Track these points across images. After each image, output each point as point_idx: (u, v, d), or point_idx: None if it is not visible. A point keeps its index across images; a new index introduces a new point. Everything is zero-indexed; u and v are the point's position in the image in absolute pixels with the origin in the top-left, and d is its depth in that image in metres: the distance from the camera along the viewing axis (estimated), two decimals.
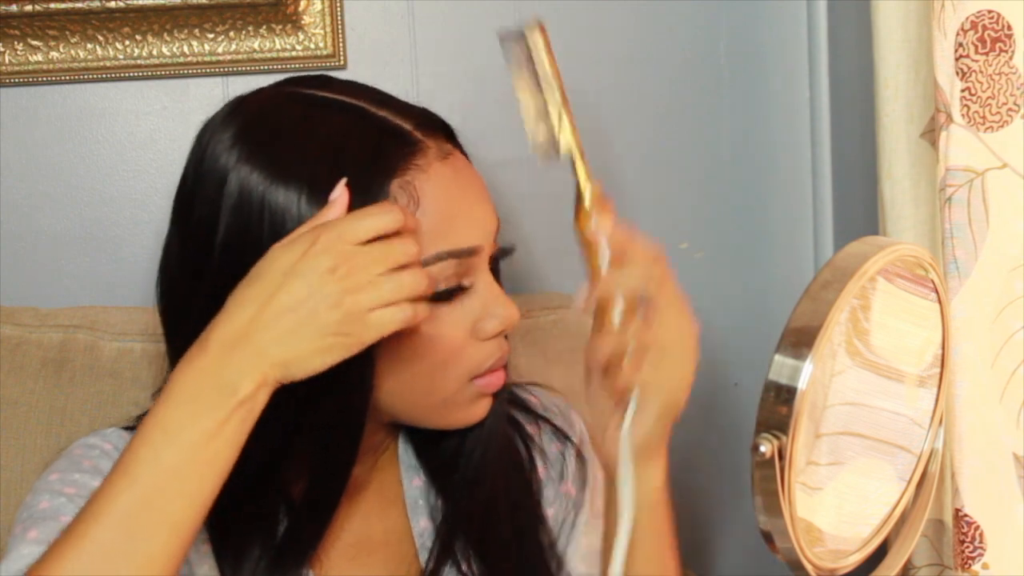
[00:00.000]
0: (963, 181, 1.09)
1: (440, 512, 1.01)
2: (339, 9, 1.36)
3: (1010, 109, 1.09)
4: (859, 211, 1.41)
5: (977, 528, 1.12)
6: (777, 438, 0.73)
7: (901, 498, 0.86)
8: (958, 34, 1.07)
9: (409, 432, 1.04)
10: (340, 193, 0.86)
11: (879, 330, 0.81)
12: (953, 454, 1.11)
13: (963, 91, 1.08)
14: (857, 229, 1.41)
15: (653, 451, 0.93)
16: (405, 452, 1.04)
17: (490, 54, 1.42)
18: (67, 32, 1.32)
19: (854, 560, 0.83)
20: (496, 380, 0.96)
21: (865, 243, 0.79)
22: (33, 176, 1.36)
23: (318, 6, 1.35)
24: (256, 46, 1.35)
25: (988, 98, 1.08)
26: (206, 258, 0.90)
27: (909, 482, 0.87)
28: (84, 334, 1.22)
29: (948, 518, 1.16)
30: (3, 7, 1.30)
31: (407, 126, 0.93)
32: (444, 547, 0.99)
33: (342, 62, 1.37)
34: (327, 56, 1.36)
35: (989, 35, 1.08)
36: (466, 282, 0.92)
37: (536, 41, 0.88)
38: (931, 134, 1.17)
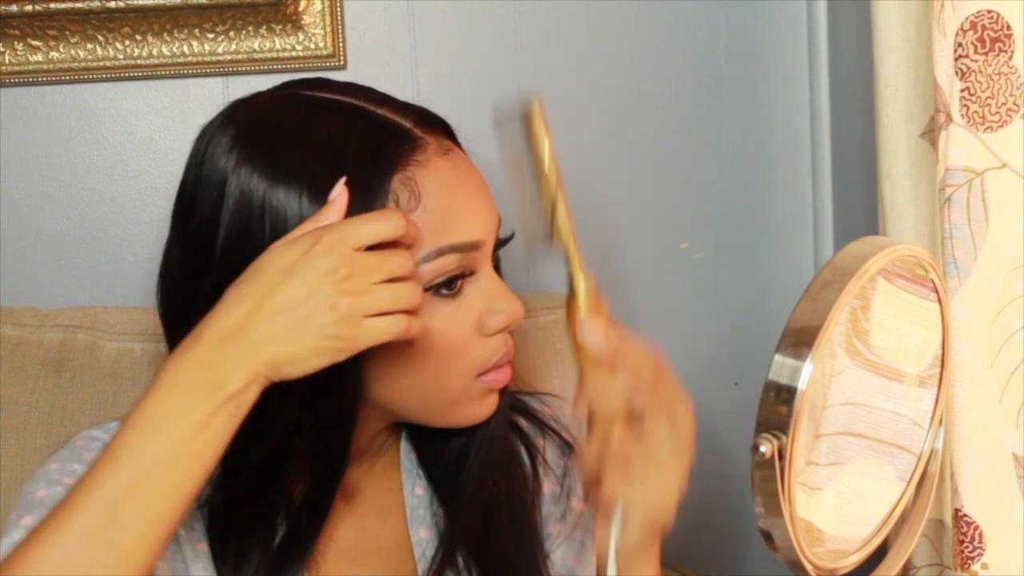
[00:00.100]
0: (962, 181, 1.09)
1: (441, 522, 1.01)
2: (339, 9, 1.36)
3: (1009, 109, 1.09)
4: (859, 211, 1.41)
5: (976, 528, 1.12)
6: (777, 438, 0.73)
7: (901, 498, 0.86)
8: (957, 34, 1.07)
9: (412, 436, 1.04)
10: (340, 192, 0.87)
11: (879, 330, 0.81)
12: (952, 454, 1.11)
13: (963, 91, 1.08)
14: (857, 229, 1.41)
15: (643, 553, 0.91)
16: (407, 457, 1.04)
17: (490, 54, 1.43)
18: (67, 32, 1.32)
19: (854, 560, 0.83)
20: (502, 376, 0.96)
21: (865, 243, 0.79)
22: (33, 176, 1.36)
23: (318, 6, 1.35)
24: (256, 46, 1.35)
25: (988, 98, 1.08)
26: (206, 261, 0.90)
27: (909, 482, 0.87)
28: (84, 334, 1.22)
29: (948, 518, 1.16)
30: (3, 7, 1.30)
31: (406, 123, 0.93)
32: (446, 559, 0.98)
33: (342, 62, 1.37)
34: (327, 56, 1.36)
35: (988, 35, 1.08)
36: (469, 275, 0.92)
37: (534, 118, 0.85)
38: (931, 134, 1.17)
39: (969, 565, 1.12)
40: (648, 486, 0.85)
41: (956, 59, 1.08)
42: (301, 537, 0.95)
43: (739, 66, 1.48)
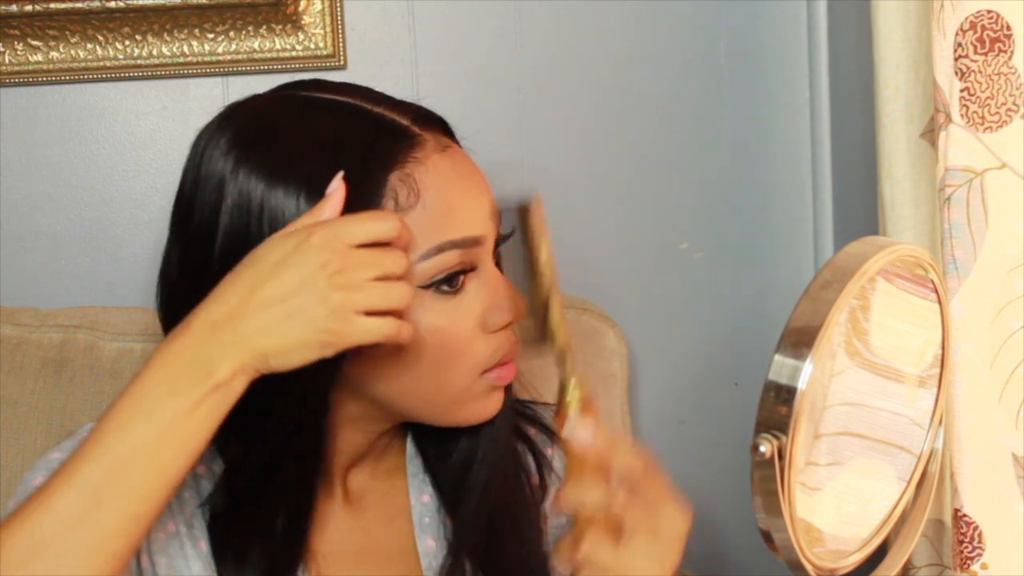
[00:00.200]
0: (962, 181, 1.09)
1: (448, 531, 1.00)
2: (339, 9, 1.36)
3: (1009, 109, 1.09)
4: (859, 211, 1.41)
5: (976, 528, 1.12)
6: (777, 438, 0.73)
7: (901, 498, 0.87)
8: (957, 34, 1.07)
9: (417, 439, 1.04)
10: (337, 187, 0.86)
11: (879, 330, 0.81)
12: (952, 454, 1.11)
13: (962, 91, 1.08)
14: (857, 229, 1.41)
15: None
16: (412, 462, 1.03)
17: (490, 54, 1.43)
18: (67, 32, 1.32)
19: (854, 560, 0.83)
20: (507, 373, 0.95)
21: (865, 243, 0.79)
22: (33, 176, 1.36)
23: (318, 6, 1.35)
24: (256, 46, 1.35)
25: (987, 98, 1.08)
26: (205, 263, 0.90)
27: (909, 482, 0.87)
28: (84, 334, 1.22)
29: (948, 518, 1.16)
30: (3, 7, 1.30)
31: (404, 121, 0.93)
32: (454, 569, 0.98)
33: (342, 62, 1.37)
34: (327, 56, 1.36)
35: (988, 35, 1.08)
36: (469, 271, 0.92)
37: (532, 217, 0.84)
38: (931, 134, 1.17)
39: (969, 565, 1.12)
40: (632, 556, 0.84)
41: (956, 59, 1.08)
42: (297, 537, 0.94)
43: (739, 66, 1.48)
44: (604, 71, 1.45)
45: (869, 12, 1.20)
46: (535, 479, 1.05)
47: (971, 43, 1.07)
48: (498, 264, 0.96)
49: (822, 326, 0.73)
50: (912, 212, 1.21)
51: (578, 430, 0.84)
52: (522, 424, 1.06)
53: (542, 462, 1.05)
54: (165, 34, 1.34)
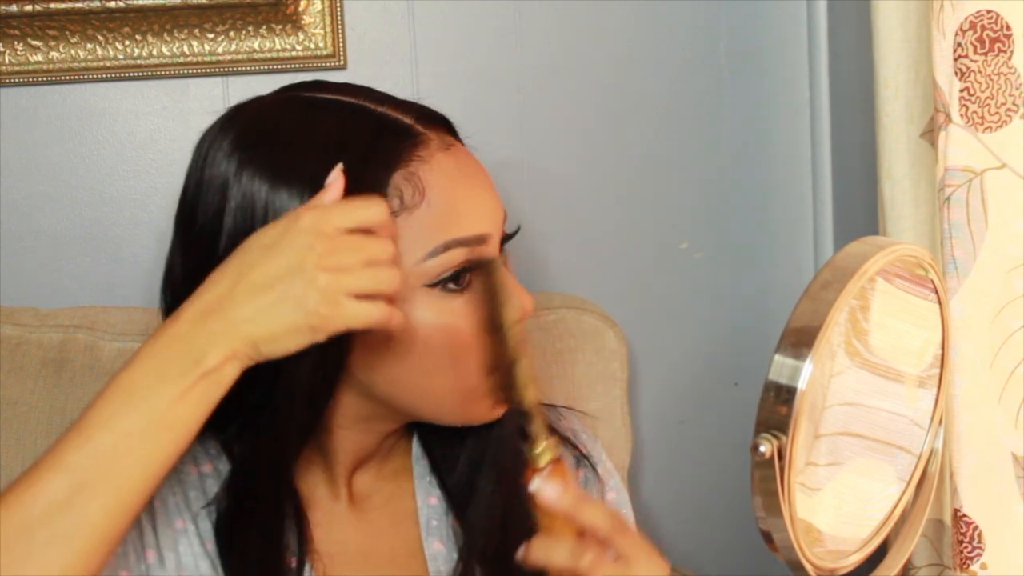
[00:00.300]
0: (962, 181, 1.09)
1: (455, 535, 1.00)
2: (339, 9, 1.36)
3: (1009, 109, 1.09)
4: (859, 211, 1.41)
5: (976, 528, 1.12)
6: (777, 438, 0.73)
7: (901, 498, 0.87)
8: (957, 34, 1.07)
9: (423, 440, 1.03)
10: (336, 177, 0.86)
11: (878, 330, 0.81)
12: (952, 454, 1.11)
13: (962, 91, 1.08)
14: (857, 229, 1.41)
15: None
16: (418, 464, 1.03)
17: (490, 54, 1.43)
18: (67, 32, 1.32)
19: (854, 560, 0.83)
20: None
21: (865, 243, 0.79)
22: (33, 176, 1.36)
23: (318, 6, 1.35)
24: (256, 46, 1.35)
25: (987, 98, 1.08)
26: (209, 265, 0.90)
27: (909, 482, 0.87)
28: (84, 334, 1.22)
29: (948, 518, 1.16)
30: (3, 7, 1.30)
31: (407, 120, 0.93)
32: (465, 573, 0.97)
33: (342, 62, 1.37)
34: (327, 56, 1.36)
35: (988, 35, 1.08)
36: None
37: (498, 280, 0.84)
38: (931, 134, 1.17)
39: (968, 565, 1.12)
40: None
41: (955, 59, 1.08)
42: (301, 538, 0.94)
43: (739, 66, 1.48)
44: (604, 71, 1.45)
45: (869, 12, 1.20)
46: None
47: (971, 43, 1.07)
48: (504, 262, 0.96)
49: (822, 326, 0.73)
50: (912, 212, 1.21)
51: (546, 489, 0.84)
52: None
53: None
54: (165, 34, 1.34)
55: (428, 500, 1.02)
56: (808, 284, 0.76)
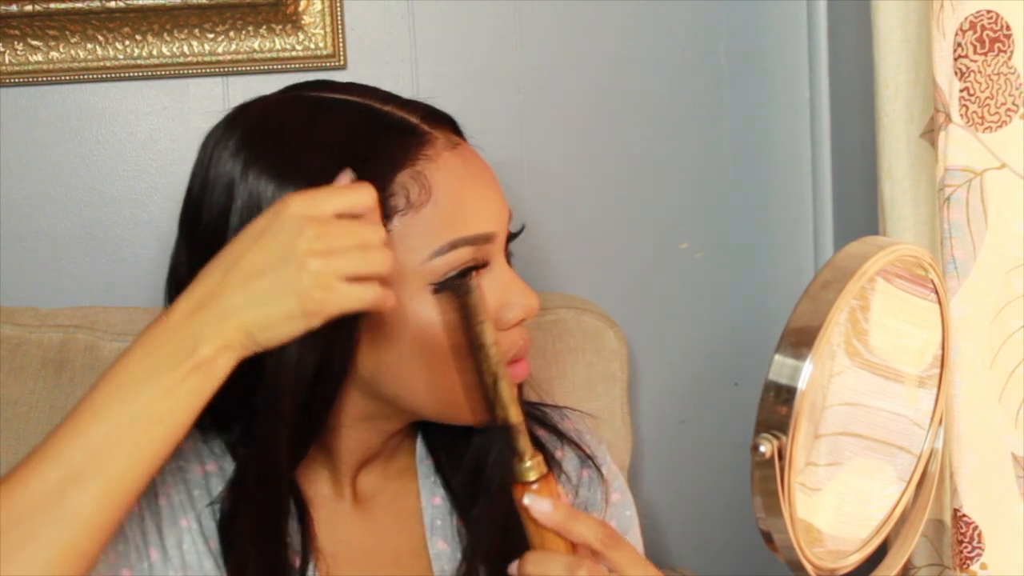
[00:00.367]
0: (962, 181, 1.09)
1: (460, 534, 1.00)
2: (339, 9, 1.36)
3: (1009, 109, 1.09)
4: (859, 211, 1.41)
5: (975, 528, 1.12)
6: (777, 438, 0.73)
7: (901, 498, 0.87)
8: (957, 34, 1.07)
9: (428, 440, 1.03)
10: (344, 180, 0.86)
11: (878, 330, 0.81)
12: (952, 454, 1.11)
13: (962, 91, 1.08)
14: (857, 229, 1.41)
15: None
16: (423, 464, 1.03)
17: (490, 54, 1.43)
18: (67, 32, 1.32)
19: (854, 560, 0.83)
20: (520, 371, 0.95)
21: (865, 243, 0.79)
22: (33, 176, 1.36)
23: (318, 6, 1.35)
24: (256, 46, 1.35)
25: (987, 98, 1.08)
26: None
27: (909, 482, 0.87)
28: (84, 334, 1.22)
29: (948, 518, 1.16)
30: (3, 7, 1.30)
31: (413, 119, 0.93)
32: (469, 573, 0.97)
33: (342, 62, 1.37)
34: (327, 56, 1.36)
35: (988, 35, 1.08)
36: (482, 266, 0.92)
37: (473, 300, 0.83)
38: (931, 134, 1.17)
39: (968, 565, 1.12)
40: None
41: (955, 59, 1.08)
42: (304, 537, 0.94)
43: (739, 66, 1.48)
44: (604, 71, 1.45)
45: (869, 12, 1.20)
46: None
47: (971, 43, 1.07)
48: (509, 261, 0.96)
49: (822, 326, 0.73)
50: (912, 212, 1.21)
51: (536, 505, 0.83)
52: (531, 426, 1.05)
53: (552, 464, 1.05)
54: (165, 34, 1.34)
55: (432, 500, 1.01)
56: (808, 284, 0.76)
